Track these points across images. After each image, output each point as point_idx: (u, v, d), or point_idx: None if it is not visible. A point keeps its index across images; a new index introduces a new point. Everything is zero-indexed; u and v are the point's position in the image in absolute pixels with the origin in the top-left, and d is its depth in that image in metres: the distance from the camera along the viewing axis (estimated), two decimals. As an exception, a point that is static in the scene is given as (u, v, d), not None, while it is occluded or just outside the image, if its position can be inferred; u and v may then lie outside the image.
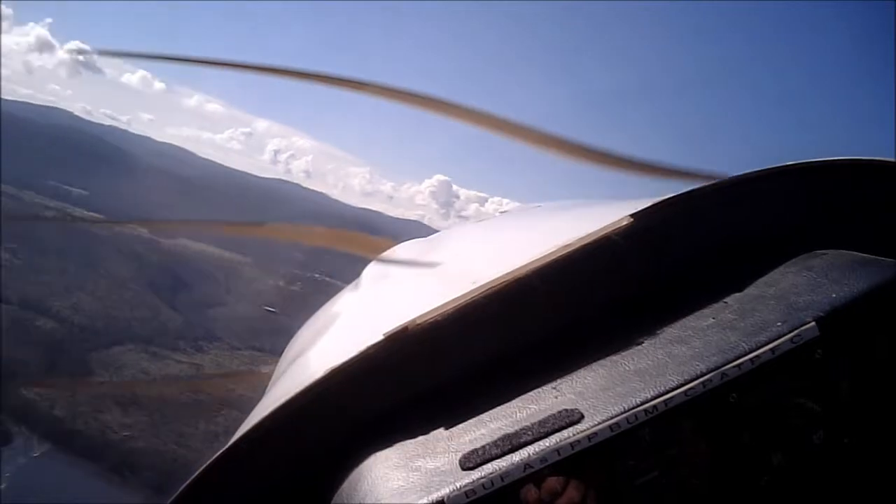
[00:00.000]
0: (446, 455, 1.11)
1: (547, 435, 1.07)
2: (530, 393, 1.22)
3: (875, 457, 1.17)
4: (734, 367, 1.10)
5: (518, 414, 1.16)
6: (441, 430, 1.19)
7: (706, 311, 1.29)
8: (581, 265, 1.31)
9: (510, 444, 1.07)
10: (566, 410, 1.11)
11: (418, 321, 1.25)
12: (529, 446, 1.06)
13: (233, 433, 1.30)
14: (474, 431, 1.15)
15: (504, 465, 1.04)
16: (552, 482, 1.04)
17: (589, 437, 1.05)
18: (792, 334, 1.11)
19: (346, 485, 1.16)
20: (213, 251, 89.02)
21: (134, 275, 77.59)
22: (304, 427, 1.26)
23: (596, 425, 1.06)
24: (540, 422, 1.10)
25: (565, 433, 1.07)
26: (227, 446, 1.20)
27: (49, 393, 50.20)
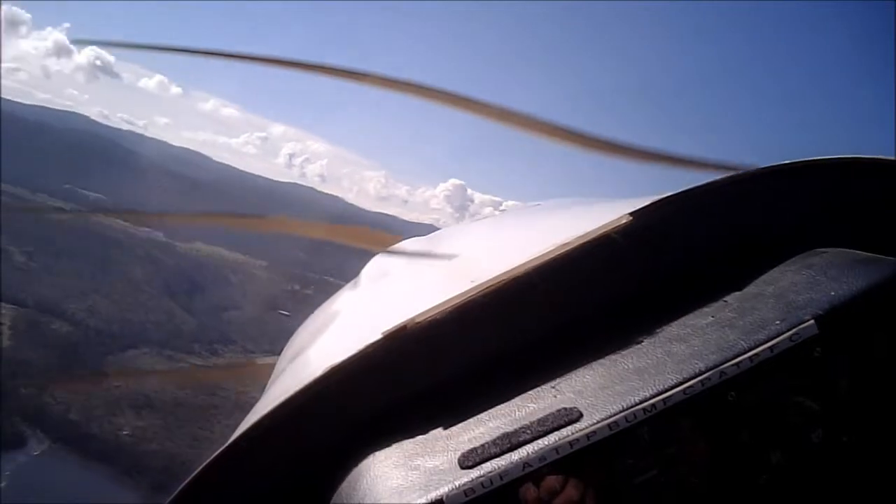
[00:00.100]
0: (445, 454, 1.11)
1: (546, 434, 1.07)
2: (529, 391, 1.22)
3: (874, 455, 1.17)
4: (733, 365, 1.10)
5: (517, 412, 1.17)
6: (440, 429, 1.19)
7: (705, 309, 1.29)
8: (580, 264, 1.30)
9: (509, 442, 1.07)
10: (565, 409, 1.11)
11: (417, 320, 1.25)
12: (528, 445, 1.06)
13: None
14: (473, 430, 1.16)
15: (503, 463, 1.04)
16: (551, 481, 1.04)
17: (588, 436, 1.05)
18: (791, 332, 1.11)
19: (345, 483, 1.17)
20: (228, 254, 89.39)
21: (149, 278, 78.07)
22: (303, 426, 1.26)
23: (595, 424, 1.06)
24: (539, 420, 1.10)
25: (564, 432, 1.07)
26: (226, 445, 1.20)
27: (64, 396, 50.31)
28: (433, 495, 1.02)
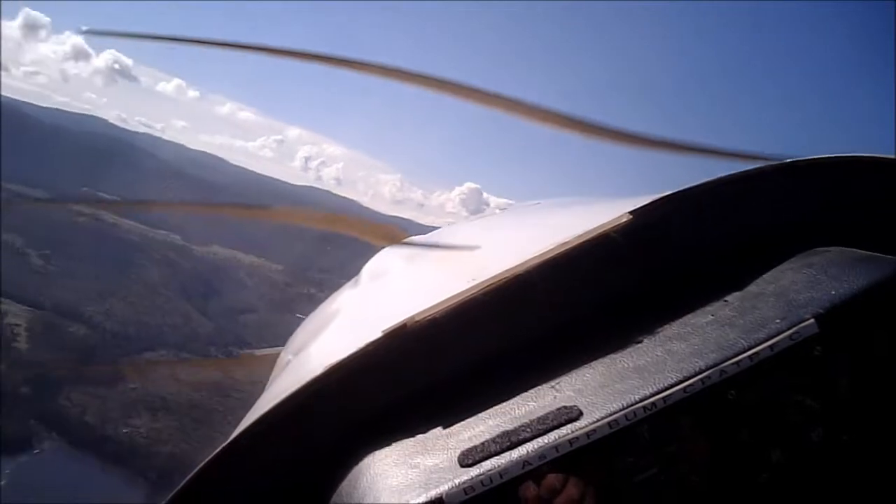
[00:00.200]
0: (445, 452, 1.12)
1: (546, 432, 1.08)
2: (529, 390, 1.22)
3: (874, 453, 1.17)
4: (733, 364, 1.10)
5: (516, 411, 1.17)
6: (440, 427, 1.20)
7: (705, 308, 1.29)
8: (580, 262, 1.32)
9: (509, 441, 1.08)
10: (565, 408, 1.11)
11: (417, 318, 1.26)
12: (528, 443, 1.07)
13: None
14: (473, 428, 1.16)
15: (503, 462, 1.05)
16: (551, 479, 1.05)
17: (588, 435, 1.06)
18: (791, 331, 1.12)
19: (345, 481, 1.17)
20: (244, 257, 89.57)
21: (166, 281, 78.30)
22: (304, 424, 1.27)
23: (595, 422, 1.07)
24: (539, 419, 1.10)
25: (564, 430, 1.07)
26: (227, 442, 1.21)
27: (80, 399, 50.42)
28: (433, 493, 1.03)
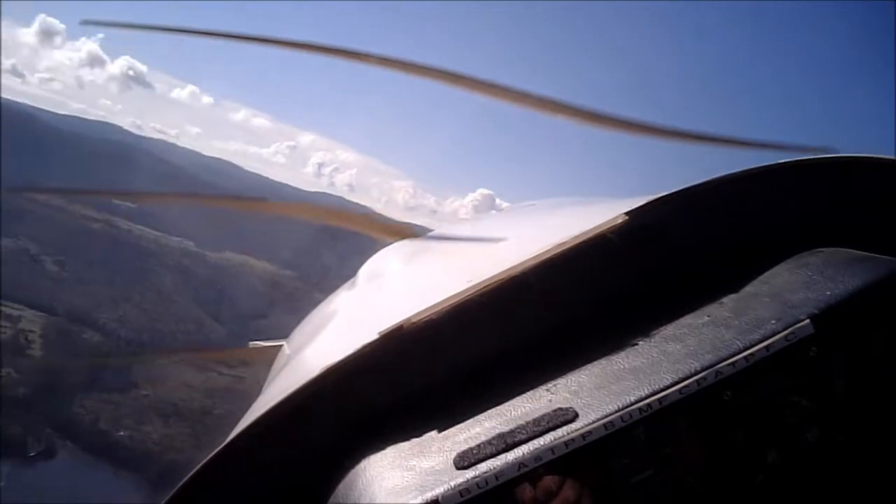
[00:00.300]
0: (441, 454, 1.12)
1: (541, 434, 1.08)
2: (525, 391, 1.23)
3: (870, 455, 1.17)
4: (728, 364, 1.10)
5: (512, 412, 1.17)
6: (435, 429, 1.20)
7: (701, 309, 1.29)
8: (576, 263, 1.32)
9: (504, 442, 1.08)
10: (561, 409, 1.11)
11: (413, 319, 1.27)
12: (524, 445, 1.07)
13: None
14: (469, 430, 1.16)
15: (498, 464, 1.05)
16: (547, 481, 1.05)
17: (583, 436, 1.06)
18: (786, 332, 1.12)
19: (341, 484, 1.18)
20: (257, 263, 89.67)
21: (179, 287, 78.50)
22: (300, 426, 1.28)
23: (590, 424, 1.07)
24: (534, 420, 1.11)
25: (560, 432, 1.07)
26: (223, 444, 1.22)
27: (93, 406, 50.61)
28: (429, 496, 1.03)
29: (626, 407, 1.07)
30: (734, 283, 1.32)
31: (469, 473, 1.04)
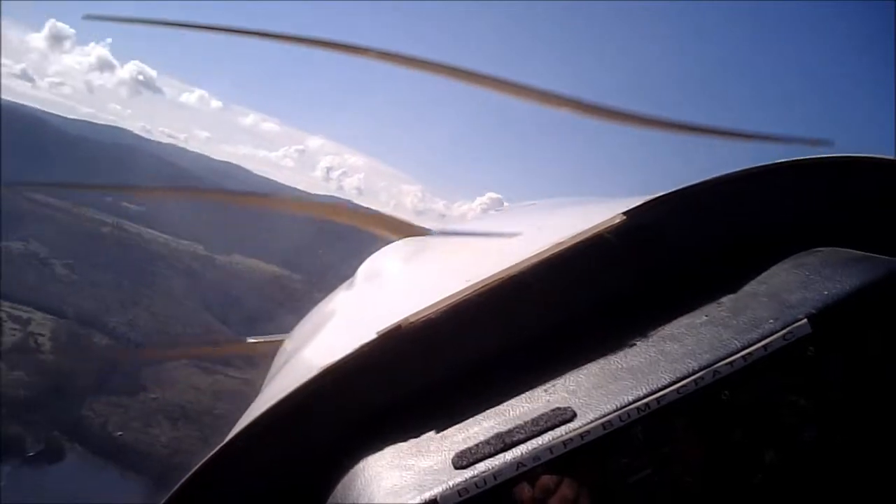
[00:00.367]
0: (439, 454, 1.12)
1: (539, 433, 1.08)
2: (523, 391, 1.22)
3: (868, 454, 1.17)
4: (726, 364, 1.10)
5: (511, 412, 1.17)
6: (434, 429, 1.20)
7: (699, 308, 1.29)
8: (574, 263, 1.32)
9: (503, 442, 1.08)
10: (559, 409, 1.11)
11: (412, 319, 1.27)
12: (522, 445, 1.07)
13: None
14: (467, 430, 1.16)
15: (497, 463, 1.05)
16: (545, 480, 1.05)
17: (581, 436, 1.06)
18: (784, 331, 1.12)
19: (339, 483, 1.18)
20: (266, 267, 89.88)
21: (188, 291, 78.71)
22: (299, 425, 1.28)
23: (588, 423, 1.07)
24: (532, 420, 1.10)
25: (558, 431, 1.07)
26: (222, 444, 1.22)
27: (102, 409, 50.75)
28: (427, 495, 1.02)
29: (624, 406, 1.07)
30: (732, 283, 1.32)
31: (467, 473, 1.04)
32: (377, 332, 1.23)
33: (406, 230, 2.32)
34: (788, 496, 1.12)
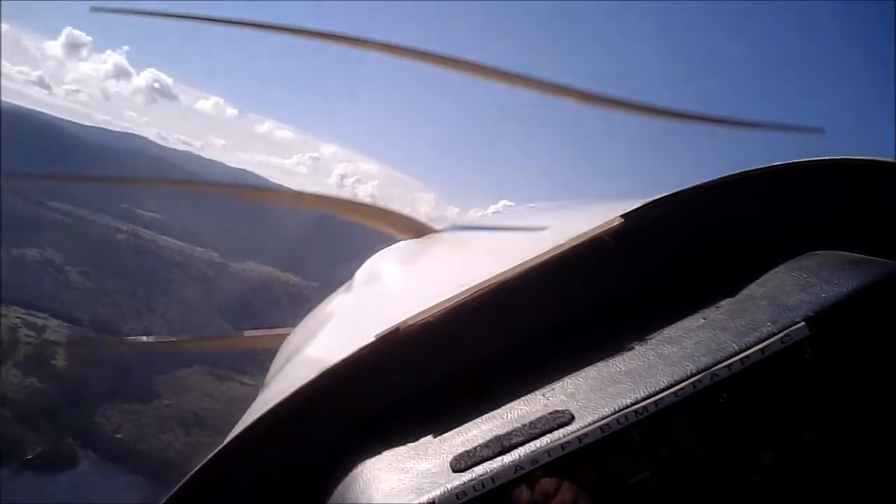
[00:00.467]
0: (437, 457, 1.12)
1: (537, 436, 1.08)
2: (521, 394, 1.22)
3: (865, 456, 1.18)
4: (724, 367, 1.10)
5: (509, 415, 1.18)
6: (432, 432, 1.20)
7: (697, 311, 1.30)
8: (572, 265, 1.32)
9: (501, 445, 1.08)
10: (557, 412, 1.11)
11: (409, 322, 1.27)
12: (520, 448, 1.07)
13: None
14: (465, 433, 1.16)
15: (495, 466, 1.05)
16: (544, 483, 1.05)
17: (579, 439, 1.06)
18: (782, 334, 1.12)
19: (338, 486, 1.18)
20: (281, 275, 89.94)
21: (203, 297, 78.77)
22: (297, 428, 1.28)
23: (586, 426, 1.07)
24: (530, 423, 1.11)
25: (556, 434, 1.07)
26: (221, 446, 1.22)
27: (115, 416, 50.77)
28: (425, 498, 1.03)
29: (622, 409, 1.07)
30: (730, 286, 1.31)
31: (465, 476, 1.04)
32: (375, 335, 1.23)
33: (414, 228, 2.32)
34: (786, 498, 1.12)
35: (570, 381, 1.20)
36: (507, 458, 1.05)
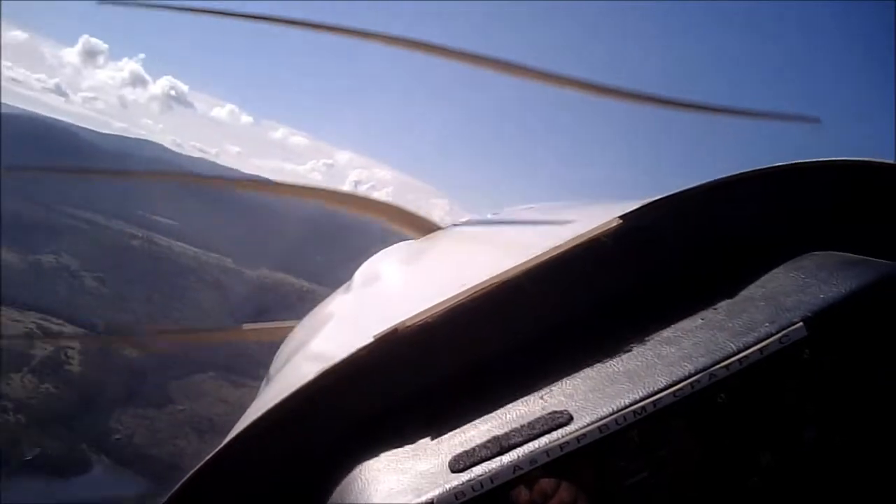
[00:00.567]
0: (435, 457, 1.13)
1: (536, 437, 1.08)
2: (520, 395, 1.23)
3: (864, 457, 1.18)
4: (722, 367, 1.11)
5: (507, 416, 1.18)
6: (430, 433, 1.21)
7: (695, 312, 1.30)
8: (571, 266, 1.33)
9: (499, 446, 1.08)
10: (555, 412, 1.12)
11: (408, 323, 1.27)
12: (519, 448, 1.07)
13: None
14: (464, 434, 1.17)
15: (493, 467, 1.06)
16: (543, 484, 1.06)
17: (578, 439, 1.06)
18: (780, 335, 1.12)
19: (336, 487, 1.19)
20: (295, 281, 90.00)
21: (217, 304, 78.92)
22: (295, 429, 1.28)
23: (585, 427, 1.07)
24: (529, 423, 1.11)
25: (554, 435, 1.08)
26: (218, 448, 1.23)
27: (129, 422, 50.90)
28: (424, 499, 1.03)
29: (621, 410, 1.08)
30: (728, 287, 1.32)
31: (464, 476, 1.05)
32: (373, 336, 1.23)
33: (419, 224, 2.35)
34: (785, 498, 1.13)
35: (568, 381, 1.21)
36: (506, 459, 1.05)
